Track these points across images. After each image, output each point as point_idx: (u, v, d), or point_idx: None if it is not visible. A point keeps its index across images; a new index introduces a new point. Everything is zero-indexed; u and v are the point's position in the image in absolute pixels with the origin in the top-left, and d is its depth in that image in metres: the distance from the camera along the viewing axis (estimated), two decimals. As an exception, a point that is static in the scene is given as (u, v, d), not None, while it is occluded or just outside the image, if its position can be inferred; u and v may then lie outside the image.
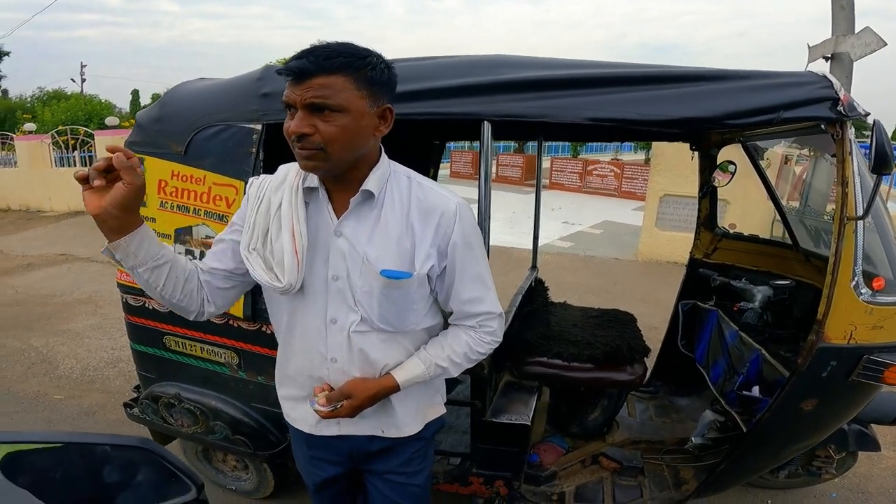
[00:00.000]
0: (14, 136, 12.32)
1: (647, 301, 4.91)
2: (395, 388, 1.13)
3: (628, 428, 2.42)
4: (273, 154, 1.66)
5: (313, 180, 1.05)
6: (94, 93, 33.54)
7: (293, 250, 1.02)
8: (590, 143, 24.50)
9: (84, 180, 0.87)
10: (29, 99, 33.22)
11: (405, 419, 1.20)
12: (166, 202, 1.74)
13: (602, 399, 2.29)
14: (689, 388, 2.63)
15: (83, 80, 36.01)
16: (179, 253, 1.70)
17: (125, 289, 1.92)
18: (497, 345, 1.20)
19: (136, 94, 41.55)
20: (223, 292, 1.14)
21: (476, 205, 1.46)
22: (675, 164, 6.41)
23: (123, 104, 38.79)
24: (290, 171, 1.09)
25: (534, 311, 2.52)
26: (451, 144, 21.05)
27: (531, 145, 16.94)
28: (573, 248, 7.62)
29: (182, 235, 1.73)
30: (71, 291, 5.52)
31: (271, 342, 1.34)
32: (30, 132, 12.80)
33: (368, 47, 0.96)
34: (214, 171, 1.67)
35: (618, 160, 15.02)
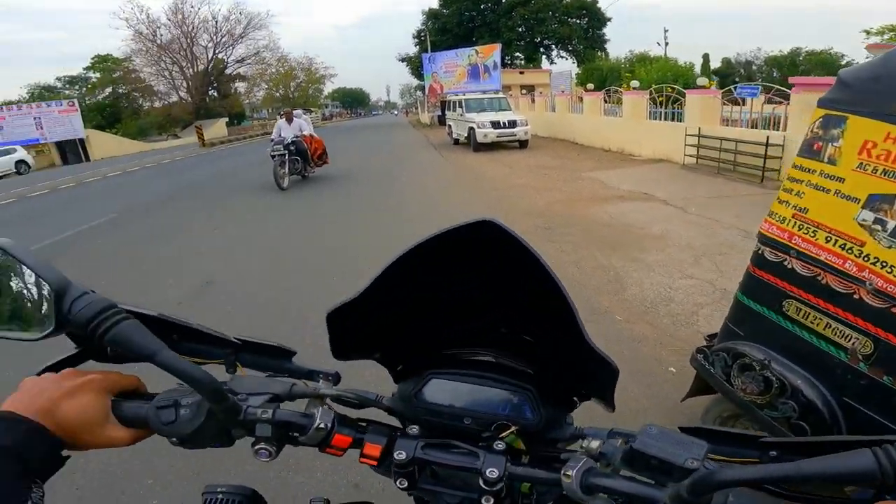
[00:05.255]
0: (621, 90, 15.08)
1: None
2: None
3: None
4: None
5: None
6: (673, 56, 36.17)
7: None
8: None
9: None
10: (623, 61, 38.26)
11: None
12: (867, 164, 1.60)
13: None
14: None
15: (666, 45, 39.56)
16: (866, 222, 1.57)
17: (765, 240, 1.96)
18: None
19: (706, 57, 42.95)
20: None
21: None
22: None
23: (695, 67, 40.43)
24: None
25: None
26: None
27: None
28: None
29: (878, 203, 1.57)
30: (647, 226, 6.29)
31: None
32: (634, 88, 15.26)
33: None
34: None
35: None
